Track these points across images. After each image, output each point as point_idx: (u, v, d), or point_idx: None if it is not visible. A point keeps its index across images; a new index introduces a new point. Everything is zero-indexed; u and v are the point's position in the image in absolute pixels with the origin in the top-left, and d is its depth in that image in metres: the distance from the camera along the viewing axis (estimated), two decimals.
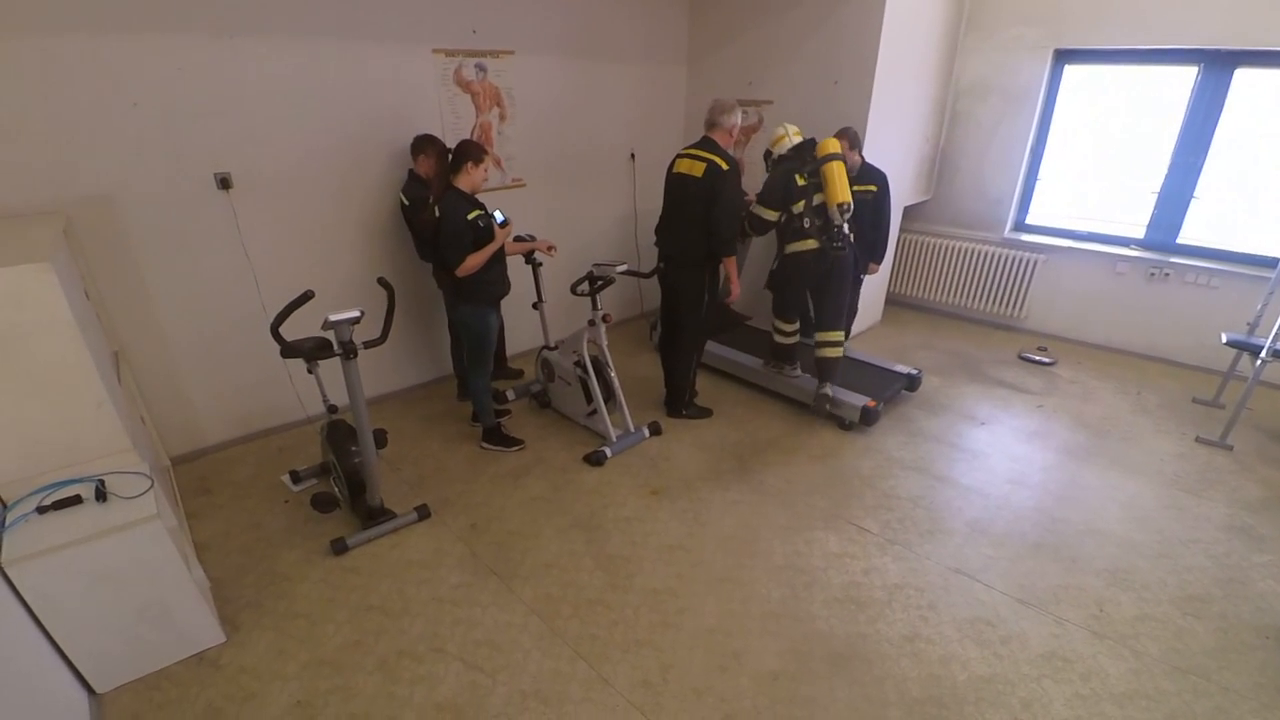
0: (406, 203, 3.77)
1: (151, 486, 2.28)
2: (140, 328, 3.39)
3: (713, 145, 3.66)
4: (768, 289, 4.36)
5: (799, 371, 4.42)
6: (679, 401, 4.26)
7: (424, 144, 3.73)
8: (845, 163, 3.90)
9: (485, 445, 3.91)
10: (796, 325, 4.34)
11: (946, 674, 2.45)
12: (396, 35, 3.81)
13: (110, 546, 2.12)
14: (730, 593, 2.83)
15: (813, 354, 4.19)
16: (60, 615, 2.12)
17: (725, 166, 3.57)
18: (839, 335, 4.11)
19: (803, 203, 3.86)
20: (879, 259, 4.77)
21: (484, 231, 3.35)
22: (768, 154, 4.13)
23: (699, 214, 3.67)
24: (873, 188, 4.40)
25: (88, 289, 2.96)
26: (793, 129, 4.02)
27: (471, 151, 3.32)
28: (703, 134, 3.72)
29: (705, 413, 4.32)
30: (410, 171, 3.82)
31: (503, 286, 3.61)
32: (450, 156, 3.40)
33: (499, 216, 3.49)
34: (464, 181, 3.32)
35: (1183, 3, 4.49)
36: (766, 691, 2.37)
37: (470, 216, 3.28)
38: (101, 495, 2.22)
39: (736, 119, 3.68)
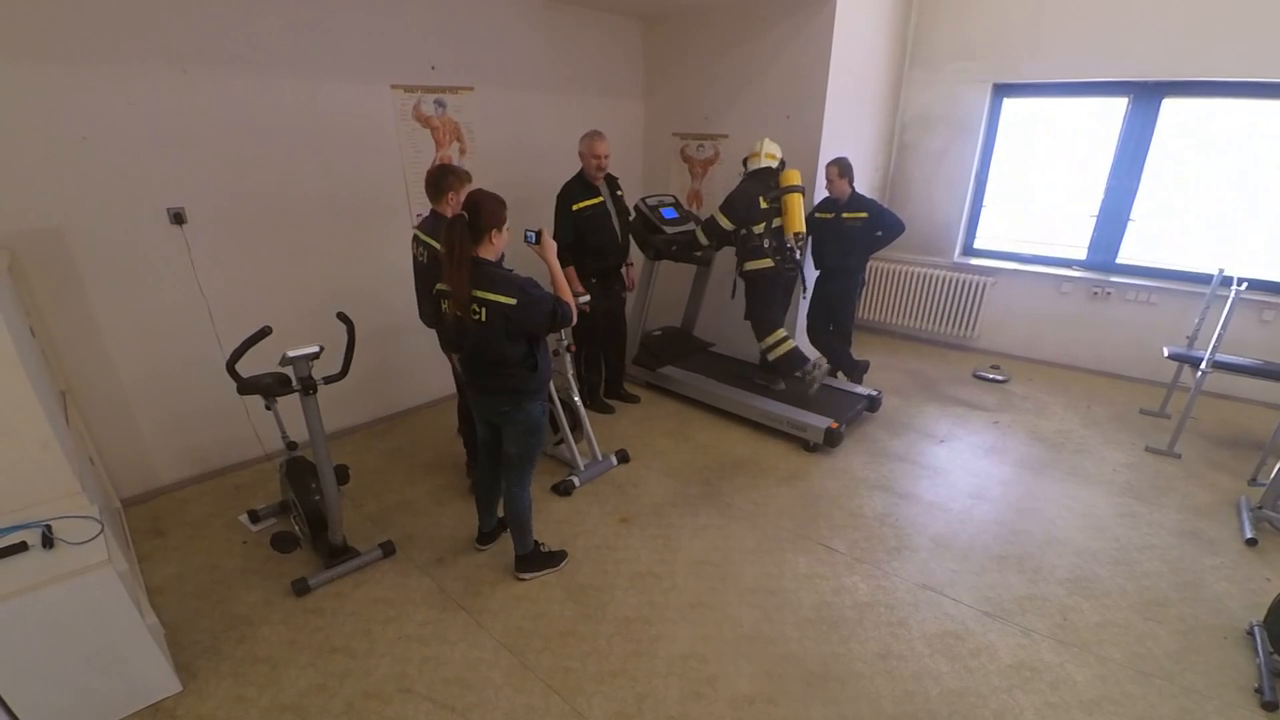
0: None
1: (101, 530, 2.19)
2: (90, 365, 3.28)
3: None
4: (746, 319, 4.51)
5: (817, 366, 4.34)
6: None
7: (450, 179, 3.11)
8: (835, 193, 4.41)
9: (524, 576, 3.04)
10: (784, 331, 4.47)
11: (920, 690, 2.46)
12: (355, 70, 3.81)
13: (58, 595, 2.02)
14: (703, 618, 2.82)
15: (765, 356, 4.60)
16: (4, 668, 2.00)
17: None
18: (782, 333, 4.48)
19: (763, 224, 4.16)
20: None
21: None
22: (746, 161, 4.31)
23: None
24: (863, 215, 4.49)
25: (33, 326, 2.86)
26: (775, 146, 4.25)
27: (493, 213, 2.54)
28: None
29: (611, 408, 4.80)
30: (433, 211, 3.20)
31: None
32: (469, 226, 2.49)
33: (532, 236, 2.79)
34: (489, 252, 2.57)
35: (1111, 38, 4.76)
36: (742, 716, 2.35)
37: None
38: (48, 541, 2.12)
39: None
